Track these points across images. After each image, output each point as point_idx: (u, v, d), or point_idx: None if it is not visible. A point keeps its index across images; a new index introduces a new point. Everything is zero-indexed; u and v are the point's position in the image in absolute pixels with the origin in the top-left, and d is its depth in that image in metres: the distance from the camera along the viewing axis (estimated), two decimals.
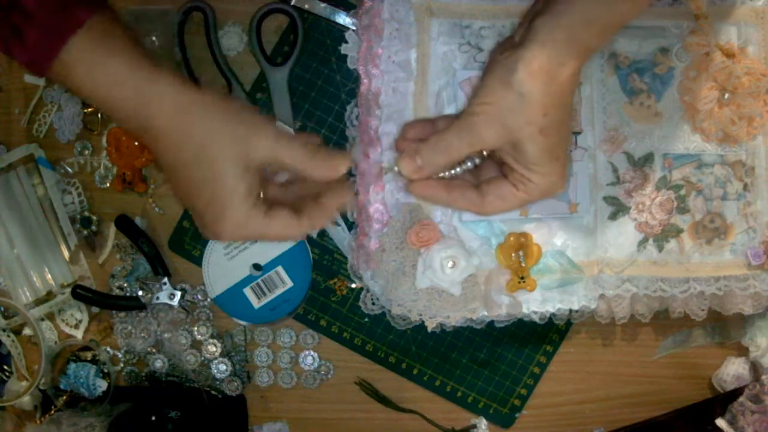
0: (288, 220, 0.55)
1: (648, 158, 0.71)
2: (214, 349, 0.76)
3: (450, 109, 0.68)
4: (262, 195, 0.55)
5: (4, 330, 0.76)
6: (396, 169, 0.59)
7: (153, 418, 0.73)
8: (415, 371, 0.78)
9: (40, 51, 0.49)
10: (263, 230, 0.55)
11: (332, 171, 0.55)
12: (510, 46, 0.55)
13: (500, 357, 0.78)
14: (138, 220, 0.75)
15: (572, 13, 0.53)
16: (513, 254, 0.69)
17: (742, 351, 0.80)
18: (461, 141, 0.56)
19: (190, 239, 0.76)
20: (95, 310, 0.77)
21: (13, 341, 0.77)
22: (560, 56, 0.53)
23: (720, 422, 0.74)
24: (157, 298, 0.74)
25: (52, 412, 0.76)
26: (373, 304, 0.73)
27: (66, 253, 0.76)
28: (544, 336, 0.79)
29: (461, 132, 0.56)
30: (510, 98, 0.53)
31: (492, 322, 0.73)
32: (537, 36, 0.53)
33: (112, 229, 0.76)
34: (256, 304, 0.75)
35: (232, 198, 0.53)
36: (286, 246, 0.74)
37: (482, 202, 0.59)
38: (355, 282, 0.76)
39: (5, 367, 0.78)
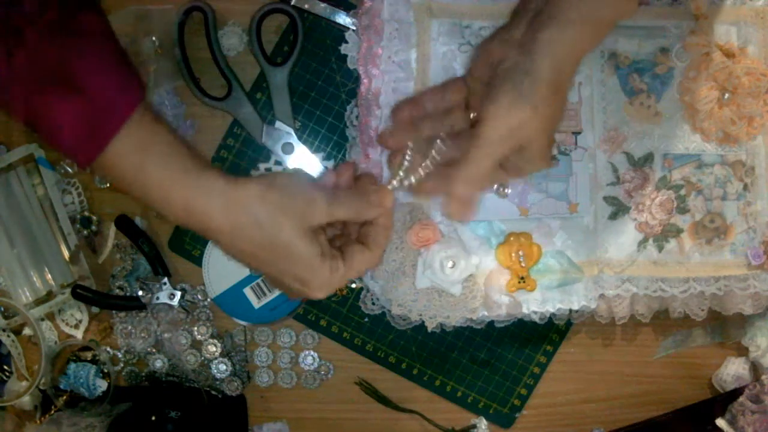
0: (362, 255, 0.59)
1: (648, 158, 0.71)
2: (214, 349, 0.76)
3: None
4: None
5: (4, 330, 0.76)
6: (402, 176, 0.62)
7: (153, 418, 0.73)
8: (415, 371, 0.78)
9: (85, 144, 0.51)
10: (346, 275, 0.58)
11: (379, 208, 0.60)
12: (510, 45, 0.57)
13: (500, 357, 0.78)
14: (138, 220, 0.75)
15: (575, 23, 0.55)
16: (513, 254, 0.69)
17: (742, 351, 0.80)
18: (487, 159, 0.58)
19: (190, 239, 0.76)
20: (95, 310, 0.77)
21: (13, 341, 0.77)
22: (564, 65, 0.56)
23: (720, 422, 0.74)
24: (157, 298, 0.74)
25: (52, 412, 0.76)
26: (373, 304, 0.73)
27: (66, 253, 0.76)
28: (544, 336, 0.78)
29: (484, 150, 0.57)
30: (524, 113, 0.56)
31: (492, 322, 0.73)
32: (542, 50, 0.55)
33: (112, 229, 0.76)
34: (256, 304, 0.75)
35: (312, 267, 0.56)
36: None
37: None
38: (355, 282, 0.76)
39: (5, 367, 0.78)
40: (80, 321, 0.77)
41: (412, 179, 0.61)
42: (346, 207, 0.58)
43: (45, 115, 0.50)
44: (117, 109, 0.51)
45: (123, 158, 0.52)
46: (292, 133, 0.75)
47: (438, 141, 0.61)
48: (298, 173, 0.59)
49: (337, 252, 0.59)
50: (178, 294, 0.75)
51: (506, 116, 0.56)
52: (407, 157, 0.62)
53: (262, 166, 0.76)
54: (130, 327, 0.76)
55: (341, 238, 0.62)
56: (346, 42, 0.71)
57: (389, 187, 0.61)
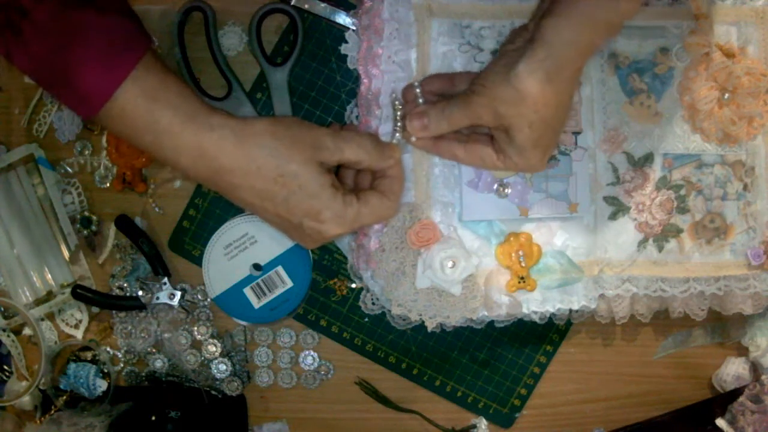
0: (378, 199, 0.61)
1: (648, 158, 0.71)
2: (214, 349, 0.76)
3: None
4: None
5: (4, 330, 0.76)
6: (399, 124, 0.65)
7: (153, 418, 0.74)
8: (415, 371, 0.78)
9: (93, 90, 0.53)
10: (360, 217, 0.59)
11: (390, 159, 0.62)
12: (522, 38, 0.58)
13: (500, 357, 0.78)
14: (138, 220, 0.75)
15: (577, 15, 0.55)
16: (513, 254, 0.69)
17: (742, 351, 0.80)
18: (461, 114, 0.60)
19: (190, 239, 0.76)
20: (95, 310, 0.77)
21: (13, 341, 0.77)
22: (563, 58, 0.55)
23: (720, 422, 0.74)
24: (157, 298, 0.74)
25: (52, 412, 0.76)
26: (373, 304, 0.73)
27: (66, 253, 0.76)
28: (544, 336, 0.79)
29: (462, 106, 0.60)
30: (506, 90, 0.56)
31: (492, 322, 0.73)
32: (543, 37, 0.55)
33: (112, 229, 0.76)
34: (256, 304, 0.75)
35: (323, 197, 0.57)
36: (286, 246, 0.74)
37: (464, 155, 0.63)
38: (355, 282, 0.76)
39: (5, 367, 0.78)
40: (80, 321, 0.77)
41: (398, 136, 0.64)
42: (352, 145, 0.59)
43: (53, 66, 0.52)
44: (124, 56, 0.53)
45: (133, 105, 0.53)
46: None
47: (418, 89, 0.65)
48: (302, 119, 0.61)
49: (351, 192, 0.60)
50: (178, 294, 0.75)
51: (490, 88, 0.57)
52: (398, 109, 0.65)
53: None
54: (130, 327, 0.76)
55: (355, 190, 0.63)
56: (346, 42, 0.71)
57: (393, 141, 0.64)
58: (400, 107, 0.65)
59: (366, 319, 0.77)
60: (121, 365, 0.77)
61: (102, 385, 0.75)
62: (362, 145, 0.60)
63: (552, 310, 0.70)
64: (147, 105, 0.54)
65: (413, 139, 0.64)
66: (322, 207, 0.58)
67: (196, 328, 0.76)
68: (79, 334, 0.77)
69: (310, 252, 0.75)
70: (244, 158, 0.55)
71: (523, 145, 0.59)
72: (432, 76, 0.67)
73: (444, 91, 0.65)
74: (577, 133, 0.70)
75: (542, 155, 0.61)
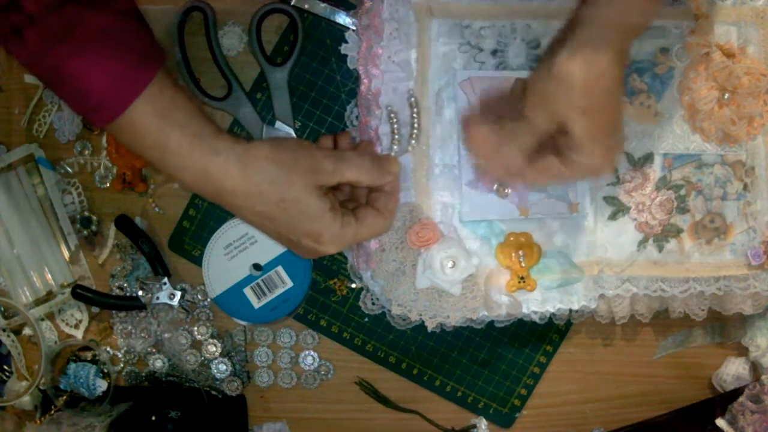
0: (374, 217, 0.62)
1: (648, 158, 0.71)
2: (214, 349, 0.76)
3: (450, 109, 0.68)
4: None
5: (4, 330, 0.76)
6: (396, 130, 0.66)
7: (153, 418, 0.74)
8: (415, 371, 0.78)
9: (106, 104, 0.54)
10: (357, 234, 0.61)
11: (389, 176, 0.63)
12: (560, 34, 0.58)
13: (500, 357, 0.78)
14: (138, 220, 0.75)
15: (608, 11, 0.55)
16: (513, 254, 0.69)
17: (742, 351, 0.80)
18: (530, 136, 0.59)
19: (190, 239, 0.76)
20: (95, 310, 0.77)
21: (13, 341, 0.77)
22: (603, 38, 0.54)
23: (720, 422, 0.74)
24: (157, 298, 0.74)
25: (52, 412, 0.76)
26: (373, 304, 0.73)
27: (66, 253, 0.76)
28: (544, 336, 0.78)
29: (527, 128, 0.58)
30: (552, 84, 0.55)
31: (492, 322, 0.73)
32: (580, 19, 0.55)
33: (112, 229, 0.76)
34: (256, 304, 0.75)
35: (323, 220, 0.59)
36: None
37: (529, 173, 0.61)
38: (355, 282, 0.76)
39: (5, 367, 0.78)
40: (80, 321, 0.77)
41: (413, 143, 0.64)
42: (352, 167, 0.60)
43: (69, 79, 0.53)
44: (140, 70, 0.54)
45: (143, 122, 0.54)
46: (292, 133, 0.75)
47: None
48: (303, 140, 0.62)
49: (348, 212, 0.62)
50: (178, 294, 0.75)
51: (536, 88, 0.57)
52: (394, 124, 0.66)
53: None
54: (130, 327, 0.76)
55: (351, 203, 0.64)
56: (346, 42, 0.71)
57: (392, 154, 0.64)
58: (395, 120, 0.66)
59: (366, 319, 0.77)
60: (121, 365, 0.77)
61: (102, 385, 0.75)
62: (361, 167, 0.61)
63: (552, 310, 0.70)
64: (157, 123, 0.55)
65: (395, 148, 0.65)
66: (322, 230, 0.59)
67: (196, 328, 0.76)
68: (79, 334, 0.77)
69: None
70: (247, 183, 0.57)
71: (581, 140, 0.56)
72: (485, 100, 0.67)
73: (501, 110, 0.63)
74: None
75: (605, 151, 0.58)
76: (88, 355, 0.77)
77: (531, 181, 0.64)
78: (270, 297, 0.75)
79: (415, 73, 0.68)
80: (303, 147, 0.60)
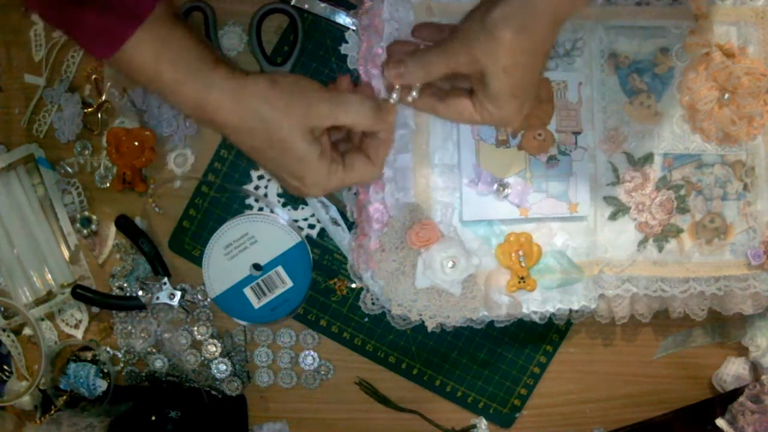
0: (363, 165, 0.63)
1: (648, 158, 0.71)
2: (214, 349, 0.76)
3: None
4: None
5: (4, 330, 0.76)
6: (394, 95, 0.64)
7: (153, 418, 0.73)
8: (415, 371, 0.78)
9: (107, 36, 0.55)
10: (344, 180, 0.62)
11: (384, 123, 0.62)
12: None
13: (500, 357, 0.78)
14: (138, 220, 0.75)
15: None
16: (513, 254, 0.69)
17: (742, 351, 0.80)
18: (440, 62, 0.60)
19: (190, 239, 0.76)
20: (95, 310, 0.77)
21: (13, 341, 0.77)
22: (537, 9, 0.56)
23: (720, 422, 0.74)
24: (157, 298, 0.74)
25: (52, 412, 0.76)
26: (373, 304, 0.73)
27: (66, 253, 0.76)
28: (544, 336, 0.79)
29: (442, 55, 0.60)
30: (482, 35, 0.57)
31: (492, 322, 0.73)
32: None
33: (112, 229, 0.76)
34: (256, 304, 0.75)
35: (310, 165, 0.60)
36: (286, 246, 0.74)
37: (443, 109, 0.64)
38: (355, 282, 0.76)
39: (5, 367, 0.78)
40: (80, 321, 0.77)
41: (414, 94, 0.63)
42: (348, 112, 0.60)
43: (70, 12, 0.54)
44: (136, 9, 0.54)
45: (140, 55, 0.55)
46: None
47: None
48: (303, 77, 0.61)
49: (338, 157, 0.62)
50: (178, 294, 0.75)
51: (467, 32, 0.58)
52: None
53: None
54: (130, 327, 0.76)
55: (345, 143, 0.65)
56: (346, 42, 0.71)
57: (391, 101, 0.63)
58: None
59: (366, 319, 0.77)
60: (121, 365, 0.77)
61: (102, 385, 0.75)
62: (358, 112, 0.61)
63: (552, 310, 0.70)
64: (153, 59, 0.56)
65: (395, 95, 0.63)
66: (307, 173, 0.60)
67: (196, 328, 0.76)
68: (79, 334, 0.77)
69: (310, 252, 0.75)
70: (238, 119, 0.58)
71: (497, 92, 0.59)
72: (422, 24, 0.66)
73: (434, 40, 0.65)
74: (577, 133, 0.70)
75: (518, 107, 0.60)
76: (88, 355, 0.77)
77: (441, 116, 0.65)
78: (270, 297, 0.75)
79: None
80: (300, 88, 0.59)
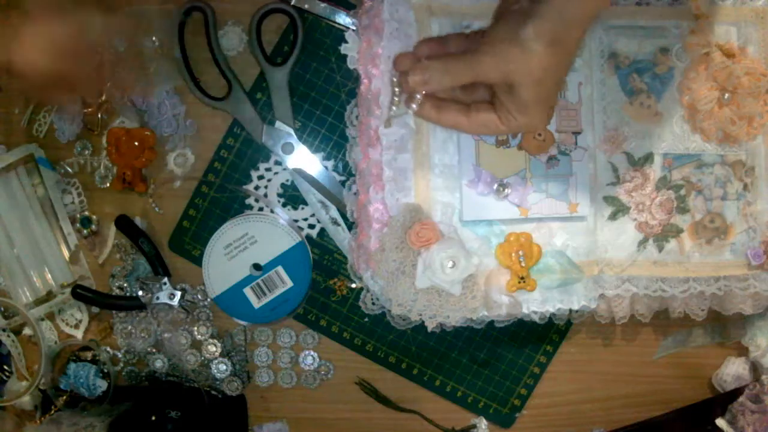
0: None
1: (648, 158, 0.71)
2: (214, 349, 0.76)
3: None
4: None
5: (4, 330, 0.76)
6: (397, 90, 0.64)
7: (153, 418, 0.73)
8: (415, 371, 0.78)
9: None
10: None
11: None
12: None
13: (500, 357, 0.78)
14: (138, 220, 0.75)
15: None
16: (513, 254, 0.69)
17: (742, 351, 0.80)
18: (466, 71, 0.60)
19: (190, 239, 0.76)
20: (95, 310, 0.77)
21: (13, 341, 0.77)
22: (571, 21, 0.56)
23: (720, 422, 0.74)
24: (157, 298, 0.74)
25: (52, 412, 0.76)
26: (373, 304, 0.73)
27: (66, 253, 0.76)
28: (544, 336, 0.79)
29: (468, 63, 0.60)
30: (515, 50, 0.57)
31: (492, 322, 0.73)
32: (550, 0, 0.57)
33: (112, 229, 0.76)
34: (256, 304, 0.75)
35: None
36: (286, 246, 0.74)
37: (467, 123, 0.63)
38: (355, 282, 0.76)
39: (5, 367, 0.78)
40: (80, 321, 0.77)
41: (418, 98, 0.63)
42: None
43: None
44: None
45: None
46: (292, 133, 0.75)
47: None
48: None
49: None
50: (178, 294, 0.75)
51: (496, 45, 0.58)
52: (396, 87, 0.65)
53: (262, 166, 0.76)
54: (130, 327, 0.76)
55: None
56: (346, 42, 0.71)
57: (390, 114, 0.64)
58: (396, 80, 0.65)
59: (366, 319, 0.77)
60: (121, 365, 0.77)
61: (102, 385, 0.75)
62: None
63: (552, 310, 0.70)
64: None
65: (414, 106, 0.63)
66: None
67: (196, 328, 0.76)
68: (79, 334, 0.77)
69: (310, 252, 0.75)
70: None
71: (527, 102, 0.59)
72: (423, 41, 0.66)
73: (436, 54, 0.65)
74: (577, 133, 0.70)
75: (545, 113, 0.61)
76: (88, 355, 0.77)
77: (465, 130, 0.65)
78: (270, 297, 0.75)
79: None
80: None
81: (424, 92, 0.62)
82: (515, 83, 0.58)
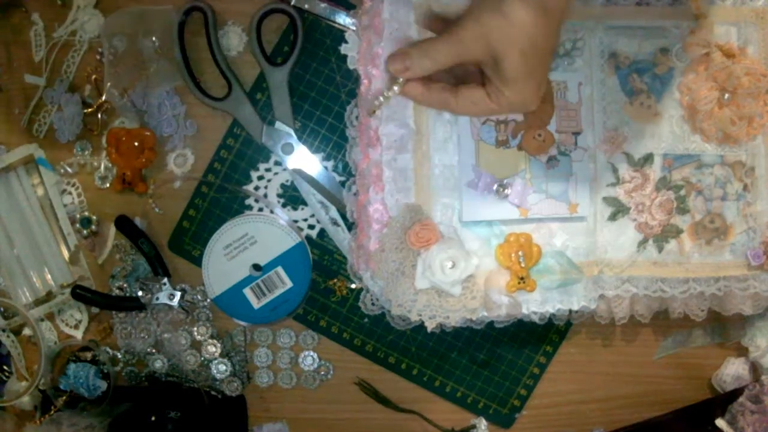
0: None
1: (648, 158, 0.71)
2: (213, 349, 0.76)
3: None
4: None
5: (4, 330, 0.76)
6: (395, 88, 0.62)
7: (153, 418, 0.74)
8: (414, 371, 0.78)
9: None
10: None
11: None
12: None
13: (500, 357, 0.78)
14: (138, 220, 0.75)
15: None
16: (513, 255, 0.69)
17: (742, 351, 0.80)
18: (448, 51, 0.59)
19: (190, 239, 0.76)
20: (95, 310, 0.77)
21: (13, 341, 0.77)
22: None
23: (720, 422, 0.74)
24: (157, 299, 0.74)
25: (52, 412, 0.76)
26: (373, 304, 0.73)
27: (66, 253, 0.76)
28: (543, 336, 0.79)
29: (450, 43, 0.58)
30: (499, 21, 0.55)
31: (492, 322, 0.73)
32: None
33: (112, 229, 0.76)
34: (255, 304, 0.75)
35: None
36: (285, 246, 0.74)
37: (455, 103, 0.62)
38: (354, 282, 0.76)
39: (5, 367, 0.78)
40: (80, 321, 0.77)
41: (400, 81, 0.62)
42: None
43: None
44: None
45: None
46: (292, 133, 0.75)
47: None
48: None
49: None
50: (178, 294, 0.75)
51: (478, 17, 0.56)
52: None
53: (261, 167, 0.76)
54: (130, 327, 0.76)
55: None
56: (346, 42, 0.71)
57: (390, 94, 0.63)
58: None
59: (366, 320, 0.77)
60: (121, 365, 0.77)
61: (102, 385, 0.75)
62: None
63: (552, 310, 0.70)
64: None
65: (396, 88, 0.62)
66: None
67: (195, 329, 0.76)
68: (79, 334, 0.77)
69: (310, 252, 0.75)
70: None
71: (515, 76, 0.57)
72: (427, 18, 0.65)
73: (436, 30, 0.64)
74: (577, 134, 0.70)
75: (535, 88, 0.59)
76: (88, 355, 0.77)
77: (454, 111, 0.64)
78: (270, 297, 0.75)
79: None
80: None
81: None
82: (500, 55, 0.56)
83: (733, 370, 0.79)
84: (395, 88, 0.62)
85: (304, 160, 0.75)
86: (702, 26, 0.70)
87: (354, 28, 0.71)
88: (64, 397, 0.76)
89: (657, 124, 0.71)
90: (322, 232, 0.76)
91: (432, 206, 0.68)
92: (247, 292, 0.75)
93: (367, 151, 0.68)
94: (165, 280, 0.74)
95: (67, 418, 0.74)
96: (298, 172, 0.75)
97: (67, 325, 0.77)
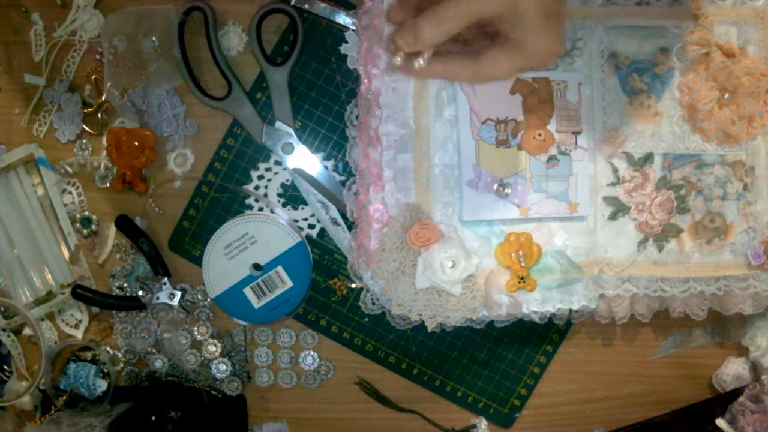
0: None
1: (648, 158, 0.71)
2: (214, 349, 0.76)
3: (450, 110, 0.68)
4: None
5: (4, 330, 0.76)
6: (398, 58, 0.57)
7: (153, 418, 0.74)
8: (415, 371, 0.78)
9: None
10: None
11: None
12: None
13: (500, 357, 0.78)
14: (138, 220, 0.75)
15: None
16: (513, 254, 0.69)
17: (742, 351, 0.80)
18: (460, 12, 0.54)
19: (190, 239, 0.76)
20: (95, 310, 0.77)
21: (13, 341, 0.77)
22: None
23: (720, 422, 0.74)
24: (157, 298, 0.74)
25: (52, 412, 0.76)
26: (373, 304, 0.73)
27: (66, 253, 0.76)
28: (544, 336, 0.79)
29: (460, 2, 0.54)
30: None
31: (492, 322, 0.73)
32: None
33: (112, 229, 0.76)
34: (256, 304, 0.75)
35: None
36: (286, 246, 0.74)
37: (477, 66, 0.58)
38: (355, 282, 0.76)
39: (5, 367, 0.78)
40: (80, 321, 0.77)
41: (426, 56, 0.57)
42: None
43: None
44: None
45: None
46: (292, 133, 0.75)
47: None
48: None
49: None
50: (178, 294, 0.75)
51: None
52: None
53: (261, 166, 0.76)
54: (130, 327, 0.76)
55: None
56: (346, 42, 0.71)
57: (396, 62, 0.58)
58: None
59: (366, 319, 0.77)
60: (121, 365, 0.77)
61: (102, 385, 0.75)
62: None
63: (552, 310, 0.70)
64: None
65: (416, 64, 0.57)
66: None
67: (196, 328, 0.76)
68: (79, 334, 0.77)
69: (310, 252, 0.75)
70: None
71: (533, 22, 0.54)
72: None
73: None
74: (577, 133, 0.70)
75: (557, 34, 0.56)
76: (88, 355, 0.77)
77: (477, 78, 0.59)
78: (270, 297, 0.75)
79: None
80: None
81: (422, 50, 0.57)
82: (515, 5, 0.53)
83: (733, 370, 0.79)
84: (420, 61, 0.57)
85: (304, 159, 0.75)
86: (702, 26, 0.70)
87: (354, 28, 0.71)
88: (64, 397, 0.76)
89: (657, 124, 0.71)
90: (323, 232, 0.76)
91: (432, 206, 0.68)
92: (248, 291, 0.75)
93: (367, 150, 0.68)
94: (165, 279, 0.74)
95: (67, 418, 0.74)
96: (299, 172, 0.75)
97: (67, 324, 0.77)
